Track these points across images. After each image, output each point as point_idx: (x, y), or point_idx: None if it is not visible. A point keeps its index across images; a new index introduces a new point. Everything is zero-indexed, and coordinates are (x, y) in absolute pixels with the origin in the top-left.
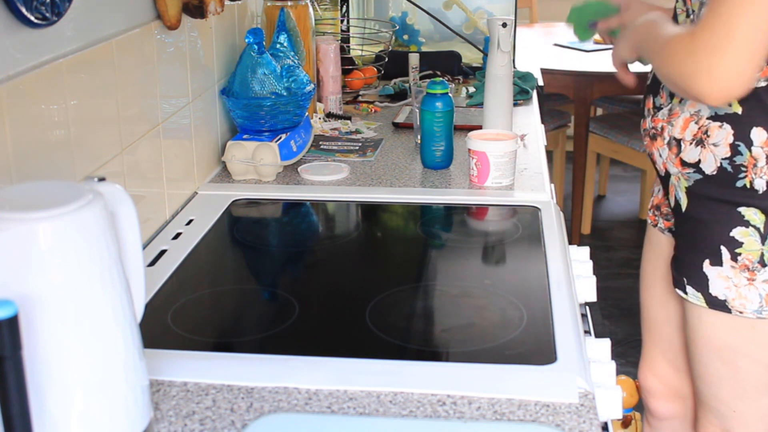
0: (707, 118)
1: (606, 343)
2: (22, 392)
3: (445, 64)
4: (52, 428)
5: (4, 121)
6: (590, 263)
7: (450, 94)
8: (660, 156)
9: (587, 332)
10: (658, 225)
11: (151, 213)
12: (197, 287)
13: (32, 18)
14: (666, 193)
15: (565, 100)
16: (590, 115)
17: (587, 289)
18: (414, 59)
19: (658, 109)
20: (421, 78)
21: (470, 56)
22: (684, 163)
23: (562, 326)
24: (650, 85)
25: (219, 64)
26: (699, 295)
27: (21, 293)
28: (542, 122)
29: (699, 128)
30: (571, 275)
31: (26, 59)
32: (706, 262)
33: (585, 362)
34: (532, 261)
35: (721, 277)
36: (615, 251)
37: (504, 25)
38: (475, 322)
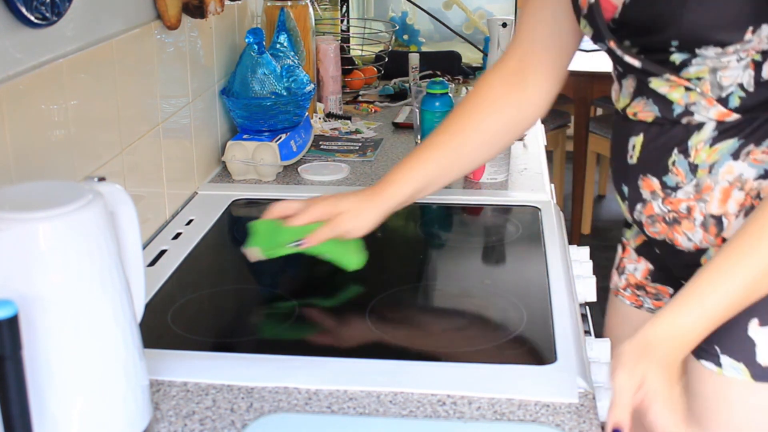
0: (755, 179)
1: (606, 343)
2: (22, 392)
3: (445, 64)
4: (52, 428)
5: (4, 121)
6: (590, 263)
7: (450, 94)
8: (689, 240)
9: (587, 332)
10: (644, 306)
11: (151, 213)
12: (197, 287)
13: (32, 18)
14: (677, 264)
15: (565, 100)
16: (590, 115)
17: (587, 289)
18: (414, 59)
19: (673, 189)
20: (421, 78)
21: (470, 56)
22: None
23: (562, 326)
24: (638, 165)
25: (219, 64)
26: (740, 366)
27: (21, 293)
28: (542, 122)
29: (746, 194)
30: (571, 275)
31: (26, 59)
32: (753, 323)
33: (585, 362)
34: (532, 261)
35: None
36: (615, 251)
37: (504, 25)
38: (475, 322)
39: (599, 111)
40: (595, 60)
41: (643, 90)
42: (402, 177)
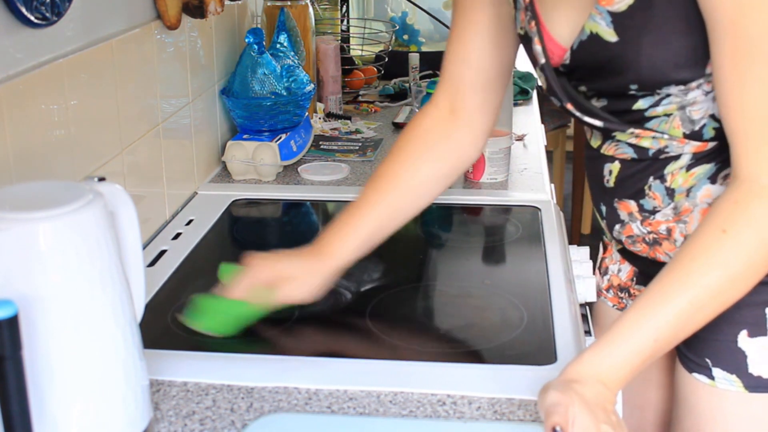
0: None
1: None
2: (22, 392)
3: None
4: (52, 428)
5: (4, 121)
6: (590, 263)
7: None
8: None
9: (587, 332)
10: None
11: (151, 213)
12: (197, 287)
13: (32, 18)
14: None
15: None
16: None
17: (587, 289)
18: (414, 59)
19: (651, 212)
20: (421, 78)
21: None
22: None
23: (562, 326)
24: (615, 189)
25: (219, 64)
26: (733, 377)
27: (21, 293)
28: (542, 122)
29: None
30: (571, 275)
31: (26, 59)
32: (743, 334)
33: None
34: (532, 261)
35: (766, 349)
36: None
37: None
38: (475, 322)
39: None
40: None
41: (611, 137)
42: (344, 237)
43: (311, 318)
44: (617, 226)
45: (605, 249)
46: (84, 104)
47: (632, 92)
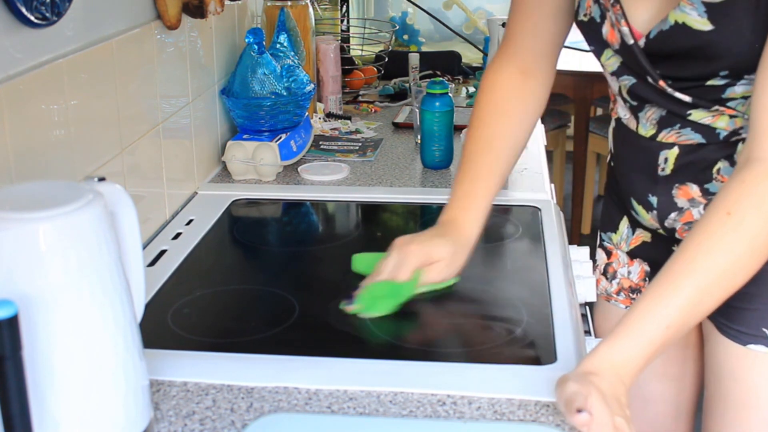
0: None
1: None
2: (22, 392)
3: (445, 64)
4: (52, 428)
5: (4, 121)
6: (590, 263)
7: (450, 94)
8: None
9: (587, 332)
10: None
11: (151, 213)
12: (197, 287)
13: (32, 18)
14: None
15: (565, 100)
16: (590, 115)
17: (587, 289)
18: (414, 59)
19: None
20: (421, 78)
21: (470, 56)
22: None
23: (562, 326)
24: (673, 176)
25: (219, 64)
26: None
27: (21, 293)
28: (542, 122)
29: None
30: (571, 275)
31: (26, 59)
32: None
33: None
34: (532, 261)
35: None
36: None
37: (504, 25)
38: (474, 322)
39: (599, 111)
40: (594, 60)
41: (673, 121)
42: (470, 212)
43: (311, 318)
44: (673, 215)
45: (609, 254)
46: (84, 104)
47: (717, 78)
